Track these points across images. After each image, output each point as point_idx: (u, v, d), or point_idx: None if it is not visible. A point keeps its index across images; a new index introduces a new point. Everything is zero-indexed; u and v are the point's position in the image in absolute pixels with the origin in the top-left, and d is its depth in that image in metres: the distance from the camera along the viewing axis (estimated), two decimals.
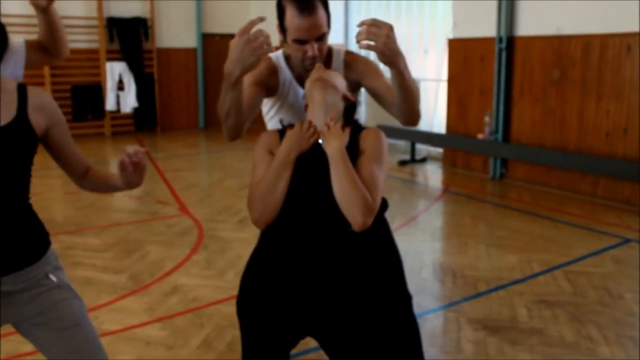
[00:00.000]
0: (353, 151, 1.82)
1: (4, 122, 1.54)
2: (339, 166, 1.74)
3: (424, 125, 8.38)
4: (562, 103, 6.18)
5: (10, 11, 9.39)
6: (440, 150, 7.95)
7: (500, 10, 6.56)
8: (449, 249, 4.67)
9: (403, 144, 8.57)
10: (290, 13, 1.95)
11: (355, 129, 1.89)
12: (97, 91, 10.08)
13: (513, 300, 3.53)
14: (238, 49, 1.71)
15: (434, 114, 8.31)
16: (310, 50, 1.99)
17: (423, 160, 7.99)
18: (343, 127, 1.85)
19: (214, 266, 4.16)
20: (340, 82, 1.95)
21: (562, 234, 4.85)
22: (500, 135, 6.75)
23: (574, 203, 5.81)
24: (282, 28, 2.02)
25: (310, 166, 1.82)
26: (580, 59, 5.94)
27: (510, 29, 6.57)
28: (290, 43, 2.03)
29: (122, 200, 6.16)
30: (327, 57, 2.12)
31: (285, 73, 2.17)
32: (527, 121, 6.55)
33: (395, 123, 8.25)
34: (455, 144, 7.35)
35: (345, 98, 1.94)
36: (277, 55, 2.19)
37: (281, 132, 1.92)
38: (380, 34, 1.69)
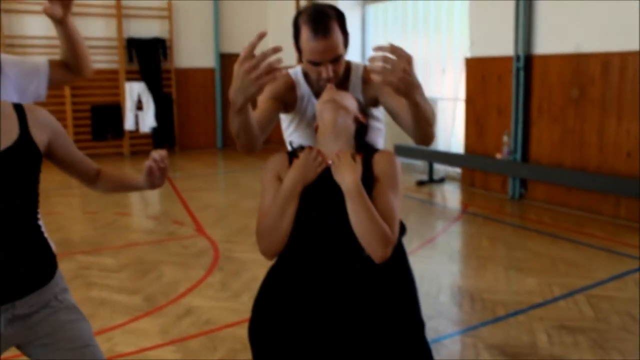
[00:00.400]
0: (367, 178, 1.79)
1: (9, 143, 1.54)
2: (356, 201, 1.71)
3: (441, 145, 8.33)
4: (581, 122, 6.09)
5: (32, 33, 9.59)
6: (458, 170, 7.88)
7: (518, 28, 6.53)
8: (467, 272, 4.59)
9: (421, 164, 8.51)
10: (305, 35, 1.93)
11: (367, 153, 1.86)
12: (116, 111, 10.19)
13: (533, 326, 3.45)
14: (239, 79, 1.63)
15: (452, 133, 8.25)
16: (325, 72, 1.97)
17: (441, 180, 7.92)
18: (354, 155, 1.81)
19: (229, 288, 4.13)
20: (352, 104, 1.93)
21: (583, 257, 4.75)
22: (518, 155, 6.67)
23: (595, 224, 5.70)
24: (298, 48, 2.00)
25: (320, 191, 1.79)
26: (600, 77, 5.86)
27: (528, 47, 6.52)
28: (305, 63, 2.01)
29: (140, 220, 6.19)
30: (345, 73, 2.09)
31: (304, 89, 2.14)
32: (546, 141, 6.46)
33: (412, 143, 8.21)
34: (474, 164, 7.28)
35: (356, 120, 1.92)
36: (295, 71, 2.16)
37: (290, 155, 1.90)
38: (397, 68, 1.63)
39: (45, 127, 1.65)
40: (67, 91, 9.75)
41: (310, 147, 1.85)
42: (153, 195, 7.97)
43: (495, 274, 4.36)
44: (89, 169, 1.80)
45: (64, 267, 5.01)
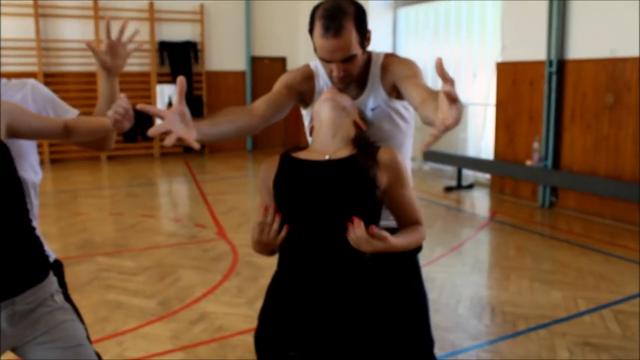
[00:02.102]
0: (370, 180, 1.68)
1: None
2: (398, 249, 1.67)
3: (471, 150, 8.17)
4: (616, 129, 5.87)
5: (68, 36, 9.78)
6: (487, 176, 7.71)
7: (551, 32, 6.34)
8: (490, 283, 4.45)
9: (449, 169, 8.35)
10: (317, 31, 1.82)
11: (368, 153, 1.74)
12: (146, 113, 10.29)
13: (554, 342, 3.30)
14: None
15: (482, 139, 8.08)
16: (335, 71, 1.87)
17: (470, 186, 7.75)
18: (373, 231, 1.60)
19: (245, 294, 4.08)
20: (352, 107, 1.84)
21: (614, 270, 4.55)
22: (550, 162, 6.47)
23: (628, 236, 5.47)
24: (313, 42, 1.90)
25: (314, 193, 1.70)
26: (636, 82, 5.64)
27: (561, 51, 6.32)
28: (318, 58, 1.92)
29: (163, 222, 6.21)
30: (366, 64, 1.98)
31: (323, 81, 2.04)
32: (579, 148, 6.25)
33: (443, 148, 8.04)
34: (503, 170, 7.10)
35: (356, 125, 1.83)
36: (316, 63, 2.07)
37: (282, 159, 1.80)
38: (458, 119, 1.37)
39: (6, 112, 1.67)
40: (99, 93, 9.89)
41: (266, 208, 1.67)
42: (179, 197, 8.03)
43: (519, 286, 4.21)
44: (54, 128, 1.79)
45: (84, 269, 5.07)
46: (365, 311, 1.78)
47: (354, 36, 1.81)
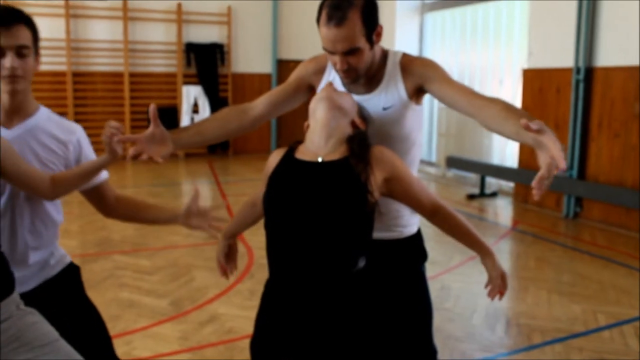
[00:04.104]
0: (362, 185, 1.63)
1: None
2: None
3: (495, 158, 8.04)
4: None
5: (97, 37, 9.93)
6: (511, 184, 7.57)
7: (579, 39, 6.20)
8: (507, 293, 4.32)
9: (473, 176, 8.23)
10: (322, 20, 1.78)
11: (360, 154, 1.68)
12: (173, 114, 10.38)
13: (570, 356, 3.21)
14: None
15: (507, 146, 7.95)
16: (338, 64, 1.80)
17: (493, 194, 7.62)
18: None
19: (257, 297, 4.01)
20: (351, 106, 1.79)
21: (637, 284, 4.41)
22: (575, 172, 6.32)
23: None
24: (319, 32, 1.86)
25: (304, 195, 1.66)
26: None
27: (589, 59, 6.18)
28: (323, 49, 1.86)
29: None
30: (381, 61, 1.92)
31: (333, 74, 1.98)
32: (606, 158, 6.09)
33: (465, 155, 7.91)
34: (527, 179, 6.95)
35: (353, 125, 1.78)
36: None
37: (287, 153, 1.79)
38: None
39: None
40: (126, 93, 10.03)
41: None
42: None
43: (536, 297, 4.11)
44: (41, 178, 1.77)
45: (100, 267, 5.12)
46: (357, 317, 1.72)
47: (358, 28, 1.75)
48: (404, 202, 1.76)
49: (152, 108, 1.76)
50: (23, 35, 1.78)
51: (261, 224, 1.78)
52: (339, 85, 1.96)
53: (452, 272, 4.55)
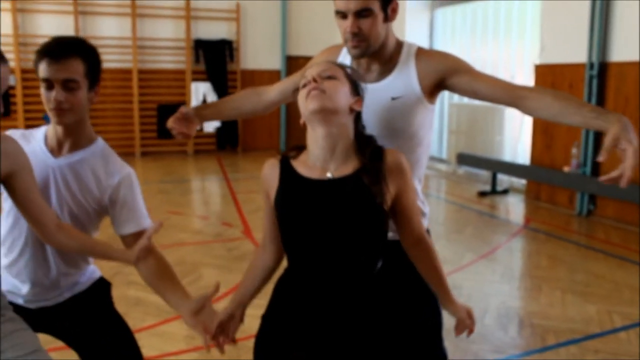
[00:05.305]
0: (378, 201, 1.58)
1: None
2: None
3: (507, 154, 7.95)
4: None
5: (106, 33, 9.92)
6: (523, 182, 7.47)
7: (593, 33, 6.09)
8: (520, 293, 4.27)
9: (484, 173, 8.14)
10: None
11: (373, 165, 1.59)
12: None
13: (585, 359, 3.13)
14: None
15: (518, 143, 7.86)
16: (349, 26, 1.74)
17: (504, 192, 7.52)
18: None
19: (264, 296, 3.98)
20: (343, 96, 1.60)
21: None
22: (588, 169, 6.22)
23: None
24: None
25: (321, 214, 1.60)
26: None
27: (603, 53, 6.07)
28: (336, 19, 1.81)
29: (190, 219, 6.20)
30: (396, 50, 1.86)
31: (343, 60, 1.93)
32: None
33: (476, 151, 7.80)
34: (540, 176, 6.86)
35: (351, 109, 1.64)
36: (345, 52, 1.97)
37: (283, 169, 1.68)
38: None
39: (11, 157, 1.62)
40: (134, 90, 10.01)
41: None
42: (209, 195, 8.04)
43: (550, 297, 4.03)
44: (48, 214, 1.73)
45: (107, 264, 5.04)
46: (372, 319, 1.69)
47: None
48: (400, 216, 1.67)
49: (183, 110, 2.15)
50: (73, 69, 1.74)
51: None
52: None
53: (464, 271, 4.48)
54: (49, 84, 1.73)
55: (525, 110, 1.77)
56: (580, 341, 3.34)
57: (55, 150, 1.85)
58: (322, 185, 1.59)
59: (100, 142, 1.91)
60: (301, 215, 1.61)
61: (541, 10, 7.01)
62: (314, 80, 1.58)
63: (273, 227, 1.73)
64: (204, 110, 2.22)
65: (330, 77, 1.60)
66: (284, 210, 1.65)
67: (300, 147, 1.70)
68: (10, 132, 1.91)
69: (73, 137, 1.84)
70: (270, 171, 1.70)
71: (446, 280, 1.76)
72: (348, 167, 1.60)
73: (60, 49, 1.73)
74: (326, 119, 1.57)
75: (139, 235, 1.91)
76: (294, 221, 1.63)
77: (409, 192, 1.65)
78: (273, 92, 2.18)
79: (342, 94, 1.60)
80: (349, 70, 1.69)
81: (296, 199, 1.62)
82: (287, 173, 1.65)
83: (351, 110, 1.63)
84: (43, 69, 1.72)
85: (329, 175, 1.60)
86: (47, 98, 1.74)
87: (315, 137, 1.61)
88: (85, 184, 1.85)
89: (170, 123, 2.12)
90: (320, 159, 1.61)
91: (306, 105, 1.58)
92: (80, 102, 1.78)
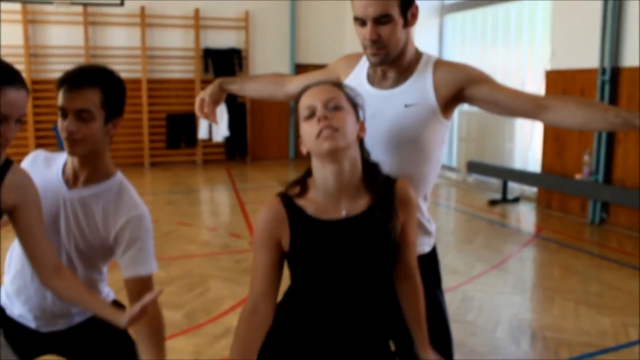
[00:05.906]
0: (392, 237, 1.59)
1: None
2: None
3: (517, 162, 7.87)
4: None
5: (115, 44, 9.98)
6: (534, 190, 7.38)
7: (604, 38, 6.01)
8: (532, 305, 4.19)
9: (495, 182, 8.06)
10: None
11: (385, 200, 1.58)
12: (190, 120, 10.35)
13: None
14: None
15: (529, 150, 7.77)
16: (368, 33, 1.73)
17: (515, 200, 7.44)
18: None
19: None
20: (350, 124, 1.55)
21: None
22: (601, 176, 6.13)
23: None
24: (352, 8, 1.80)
25: (338, 253, 1.57)
26: None
27: (615, 59, 5.99)
28: (355, 26, 1.79)
29: (198, 230, 6.17)
30: (414, 59, 1.85)
31: (356, 81, 1.89)
32: (633, 162, 5.89)
33: (486, 159, 7.72)
34: (551, 184, 6.77)
35: (358, 137, 1.61)
36: (364, 60, 1.95)
37: (285, 202, 1.60)
38: None
39: (18, 190, 1.61)
40: (144, 99, 10.03)
41: None
42: (217, 205, 8.01)
43: (563, 309, 3.95)
44: (49, 256, 1.70)
45: (116, 277, 5.00)
46: (380, 341, 1.70)
47: None
48: (400, 246, 1.65)
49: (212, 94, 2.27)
50: (87, 99, 1.72)
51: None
52: (364, 79, 1.90)
53: (474, 282, 4.41)
54: (64, 113, 1.72)
55: (547, 121, 1.75)
56: (594, 355, 3.27)
57: (71, 181, 1.82)
58: (338, 226, 1.57)
59: (117, 178, 1.86)
60: (320, 259, 1.58)
61: (552, 14, 6.94)
62: (325, 117, 1.52)
63: (274, 279, 1.61)
64: (229, 85, 2.27)
65: (336, 108, 1.55)
66: (303, 257, 1.59)
67: (300, 181, 1.64)
68: (36, 153, 1.90)
69: (88, 169, 1.81)
70: (274, 216, 1.59)
71: (425, 323, 1.71)
72: (360, 203, 1.58)
73: (78, 78, 1.71)
74: (339, 157, 1.53)
75: (136, 282, 1.83)
76: (313, 265, 1.59)
77: (412, 225, 1.66)
78: (294, 85, 2.12)
79: (351, 126, 1.55)
80: (348, 91, 1.63)
81: (314, 244, 1.57)
82: (297, 217, 1.58)
83: (357, 137, 1.60)
84: (60, 97, 1.71)
85: (344, 213, 1.57)
86: (61, 127, 1.72)
87: (325, 173, 1.56)
88: (93, 221, 1.81)
89: (203, 110, 2.25)
90: (331, 196, 1.57)
91: (319, 144, 1.52)
92: (93, 134, 1.74)
